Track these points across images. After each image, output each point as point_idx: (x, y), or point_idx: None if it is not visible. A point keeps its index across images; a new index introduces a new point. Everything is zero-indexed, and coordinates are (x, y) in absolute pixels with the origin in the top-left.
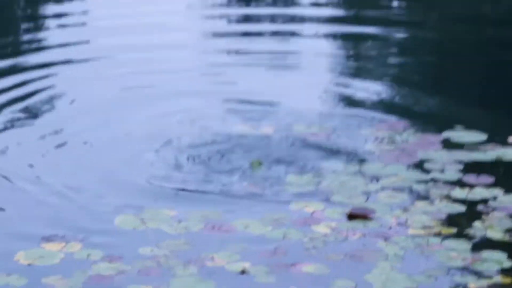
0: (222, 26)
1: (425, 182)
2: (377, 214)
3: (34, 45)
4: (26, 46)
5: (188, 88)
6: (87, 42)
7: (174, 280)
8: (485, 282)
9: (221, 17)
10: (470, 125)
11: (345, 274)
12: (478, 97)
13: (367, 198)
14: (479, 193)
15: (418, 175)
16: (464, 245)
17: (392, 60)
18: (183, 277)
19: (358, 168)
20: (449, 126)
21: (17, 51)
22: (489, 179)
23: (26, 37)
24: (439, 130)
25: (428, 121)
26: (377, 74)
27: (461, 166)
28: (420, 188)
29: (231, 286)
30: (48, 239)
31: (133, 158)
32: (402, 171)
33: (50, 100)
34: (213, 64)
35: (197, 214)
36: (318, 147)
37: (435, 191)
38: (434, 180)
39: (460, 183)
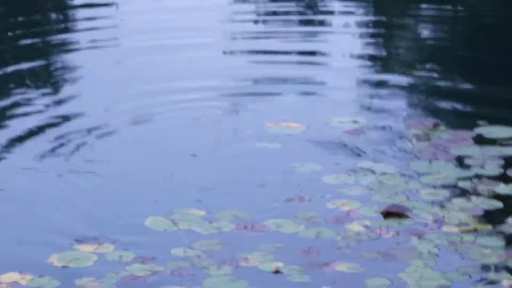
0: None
1: (467, 178)
2: (414, 211)
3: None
4: (56, 45)
5: (211, 84)
6: (115, 39)
7: (207, 281)
8: None
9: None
10: (500, 121)
11: (379, 272)
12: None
13: (407, 197)
14: None
15: (458, 171)
16: (498, 242)
17: (423, 55)
18: (216, 277)
19: (396, 166)
20: (480, 121)
21: (47, 52)
22: None
23: (57, 37)
24: (471, 126)
25: (459, 117)
26: (407, 70)
27: (501, 162)
28: (461, 184)
29: (265, 286)
30: (81, 241)
31: (163, 161)
32: (442, 168)
33: (84, 92)
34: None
35: (227, 214)
36: (352, 144)
37: (477, 188)
38: (477, 176)
39: (503, 179)
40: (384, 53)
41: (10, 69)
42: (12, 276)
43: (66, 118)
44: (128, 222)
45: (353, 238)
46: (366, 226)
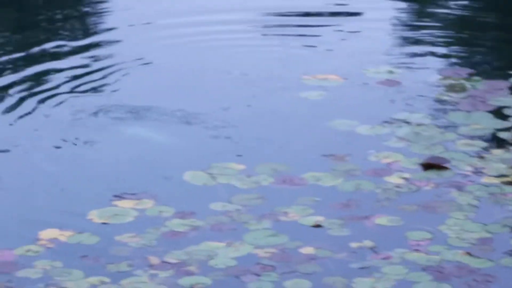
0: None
1: (506, 129)
2: (453, 163)
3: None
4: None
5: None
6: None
7: (248, 235)
8: None
9: None
10: None
11: (419, 225)
12: None
13: (445, 148)
14: None
15: (497, 122)
16: None
17: (456, 3)
18: (256, 231)
19: (432, 116)
20: None
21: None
22: None
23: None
24: (505, 76)
25: (494, 67)
26: (441, 20)
27: None
28: (500, 135)
29: (306, 240)
30: (120, 196)
31: (200, 115)
32: (479, 118)
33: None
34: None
35: (265, 167)
36: (388, 95)
37: None
38: None
39: None
40: (419, 5)
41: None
42: (51, 233)
43: (106, 54)
44: (167, 177)
45: (393, 191)
46: (406, 178)
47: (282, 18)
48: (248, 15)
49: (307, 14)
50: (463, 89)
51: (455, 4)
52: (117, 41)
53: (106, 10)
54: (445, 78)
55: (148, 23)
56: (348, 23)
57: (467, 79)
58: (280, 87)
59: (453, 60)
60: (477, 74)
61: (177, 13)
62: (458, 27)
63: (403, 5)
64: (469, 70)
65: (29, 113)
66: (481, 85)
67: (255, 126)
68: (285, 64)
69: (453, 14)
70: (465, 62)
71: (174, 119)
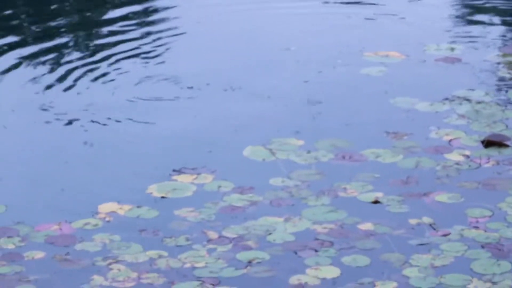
0: None
1: None
2: None
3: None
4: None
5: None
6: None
7: (306, 211)
8: None
9: None
10: None
11: (479, 202)
12: None
13: (506, 125)
14: None
15: None
16: None
17: None
18: (315, 207)
19: (493, 94)
20: None
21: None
22: None
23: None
24: None
25: None
26: None
27: None
28: None
29: (364, 216)
30: (179, 171)
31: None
32: None
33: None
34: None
35: (325, 143)
36: (448, 72)
37: None
38: None
39: None
40: None
41: None
42: (110, 206)
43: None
44: (227, 151)
45: (453, 168)
46: (466, 156)
47: None
48: None
49: None
50: None
51: None
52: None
53: None
54: (506, 55)
55: None
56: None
57: None
58: (340, 64)
59: None
60: None
61: None
62: None
63: None
64: None
65: (87, 88)
66: None
67: (314, 101)
68: (346, 39)
69: None
70: None
71: (236, 93)
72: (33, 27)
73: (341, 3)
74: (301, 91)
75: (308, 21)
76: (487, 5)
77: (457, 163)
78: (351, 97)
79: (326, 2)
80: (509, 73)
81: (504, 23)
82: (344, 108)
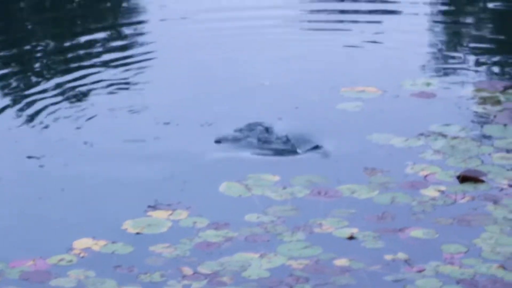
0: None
1: None
2: (489, 176)
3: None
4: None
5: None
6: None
7: (281, 247)
8: None
9: None
10: None
11: (454, 238)
12: None
13: (481, 161)
14: None
15: None
16: None
17: (485, 18)
18: (290, 243)
19: (468, 129)
20: None
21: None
22: None
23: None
24: None
25: None
26: (473, 34)
27: None
28: None
29: (340, 252)
30: (154, 207)
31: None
32: None
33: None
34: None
35: (301, 179)
36: (423, 108)
37: None
38: None
39: None
40: (456, 17)
41: None
42: (85, 242)
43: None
44: (202, 188)
45: (428, 203)
46: (442, 191)
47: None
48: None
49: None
50: (497, 102)
51: (492, 19)
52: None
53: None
54: (480, 90)
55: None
56: (386, 22)
57: (502, 92)
58: (317, 99)
59: (489, 72)
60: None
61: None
62: (492, 41)
63: (436, 23)
64: (505, 83)
65: (56, 119)
66: None
67: (291, 137)
68: (323, 75)
69: (492, 27)
70: (500, 75)
71: (210, 128)
72: None
73: (320, 29)
74: (275, 126)
75: (286, 49)
76: (462, 41)
77: (433, 199)
78: (327, 132)
79: (304, 29)
80: (483, 109)
81: (479, 58)
82: (319, 143)
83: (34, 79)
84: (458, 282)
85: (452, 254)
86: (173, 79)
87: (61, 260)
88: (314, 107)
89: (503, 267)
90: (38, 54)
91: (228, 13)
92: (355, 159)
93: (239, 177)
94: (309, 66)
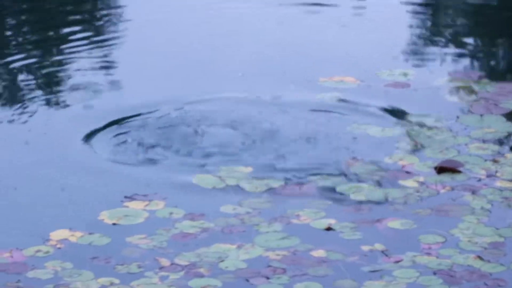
0: None
1: None
2: (467, 166)
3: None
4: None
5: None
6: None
7: (258, 238)
8: None
9: None
10: None
11: (432, 228)
12: None
13: (458, 151)
14: None
15: (510, 125)
16: None
17: (463, 9)
18: (267, 234)
19: (443, 120)
20: None
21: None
22: None
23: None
24: None
25: (503, 70)
26: (451, 25)
27: None
28: None
29: (317, 243)
30: (131, 198)
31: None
32: (492, 122)
33: None
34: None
35: (278, 170)
36: (399, 98)
37: None
38: None
39: None
40: (435, 8)
41: None
42: (62, 233)
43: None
44: (176, 179)
45: (407, 194)
46: (420, 182)
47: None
48: None
49: None
50: (472, 92)
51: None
52: None
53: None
54: (455, 80)
55: None
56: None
57: (476, 82)
58: (294, 88)
59: (464, 62)
60: (489, 77)
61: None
62: (468, 31)
63: (414, 13)
64: (479, 73)
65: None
66: (493, 88)
67: (259, 128)
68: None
69: (469, 13)
70: (475, 64)
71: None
72: None
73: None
74: (252, 115)
75: (264, 40)
76: (439, 30)
77: (411, 189)
78: (303, 125)
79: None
80: (460, 99)
81: (455, 49)
82: (295, 136)
83: None
84: (435, 273)
85: (430, 245)
86: (148, 78)
87: (38, 251)
88: (292, 97)
89: (480, 257)
90: None
91: None
92: (332, 149)
93: (212, 168)
94: (285, 57)
